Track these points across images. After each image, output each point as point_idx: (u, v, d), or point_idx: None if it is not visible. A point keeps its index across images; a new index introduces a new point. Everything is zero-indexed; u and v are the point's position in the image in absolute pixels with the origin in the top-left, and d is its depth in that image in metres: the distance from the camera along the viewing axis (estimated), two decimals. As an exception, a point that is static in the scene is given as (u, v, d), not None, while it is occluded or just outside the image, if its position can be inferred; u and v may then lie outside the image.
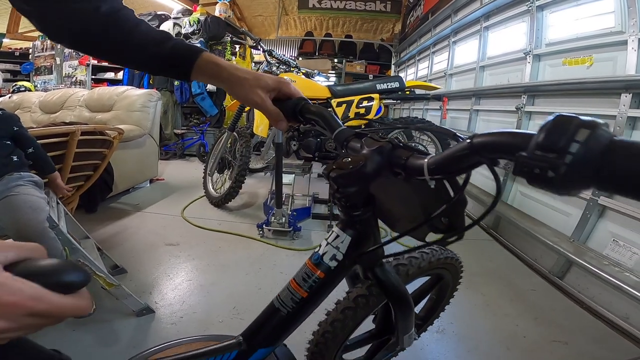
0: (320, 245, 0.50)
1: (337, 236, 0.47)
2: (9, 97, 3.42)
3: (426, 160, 0.34)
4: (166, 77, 4.60)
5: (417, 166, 0.35)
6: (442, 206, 0.36)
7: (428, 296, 0.96)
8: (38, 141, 1.33)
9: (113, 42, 0.49)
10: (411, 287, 0.90)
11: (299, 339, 0.77)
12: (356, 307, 0.68)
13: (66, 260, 0.38)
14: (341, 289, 0.75)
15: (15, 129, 1.25)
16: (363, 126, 2.35)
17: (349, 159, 0.40)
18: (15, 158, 1.22)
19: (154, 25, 0.54)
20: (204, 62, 0.52)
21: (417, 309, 0.97)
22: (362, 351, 0.89)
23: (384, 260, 0.53)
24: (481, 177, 2.59)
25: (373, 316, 0.82)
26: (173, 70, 0.53)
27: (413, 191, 0.42)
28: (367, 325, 0.85)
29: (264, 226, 2.05)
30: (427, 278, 0.90)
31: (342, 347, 0.75)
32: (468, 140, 0.30)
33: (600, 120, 0.20)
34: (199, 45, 2.59)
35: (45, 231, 1.11)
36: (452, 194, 0.36)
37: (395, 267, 0.74)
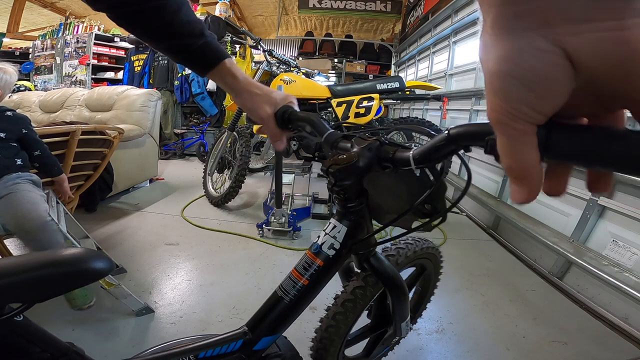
0: (319, 236, 0.53)
1: (334, 227, 0.52)
2: (9, 97, 3.42)
3: (412, 152, 0.38)
4: (166, 77, 4.62)
5: (404, 158, 0.39)
6: (426, 193, 0.42)
7: (414, 289, 1.01)
8: (38, 140, 1.33)
9: (151, 21, 0.49)
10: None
11: (297, 336, 0.78)
12: (355, 299, 0.72)
13: (90, 249, 0.39)
14: (338, 288, 0.76)
15: (24, 131, 1.25)
16: (363, 126, 2.35)
17: (344, 156, 0.45)
18: (19, 161, 1.23)
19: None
20: (224, 70, 0.55)
21: None
22: (360, 348, 0.91)
23: (376, 250, 0.59)
24: (481, 178, 2.59)
25: (367, 311, 0.85)
26: (192, 66, 0.55)
27: (399, 185, 0.47)
28: (363, 321, 0.86)
29: (263, 226, 2.05)
30: (412, 270, 0.95)
31: (345, 342, 0.78)
32: (446, 132, 0.34)
33: None
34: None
35: (47, 224, 1.12)
36: (434, 182, 0.42)
37: (385, 258, 0.77)
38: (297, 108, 0.56)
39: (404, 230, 0.49)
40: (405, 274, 0.92)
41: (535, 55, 0.19)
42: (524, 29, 0.19)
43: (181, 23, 0.50)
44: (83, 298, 1.26)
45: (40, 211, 1.13)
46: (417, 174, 0.40)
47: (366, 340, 0.90)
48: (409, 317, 0.69)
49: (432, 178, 0.42)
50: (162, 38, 0.51)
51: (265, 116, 0.55)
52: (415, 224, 0.48)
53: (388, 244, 0.81)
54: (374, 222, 0.54)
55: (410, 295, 1.01)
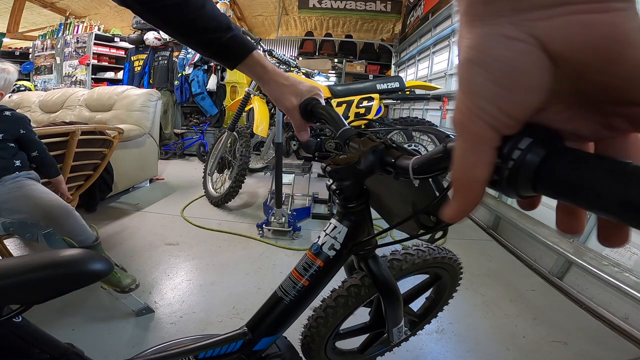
0: (319, 237, 0.53)
1: (335, 227, 0.52)
2: (9, 97, 3.42)
3: (411, 161, 0.36)
4: (166, 77, 4.62)
5: (403, 166, 0.37)
6: (428, 204, 0.40)
7: (427, 295, 0.98)
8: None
9: (177, 17, 0.50)
10: (409, 284, 0.91)
11: (297, 336, 0.78)
12: (349, 296, 0.72)
13: (89, 250, 0.39)
14: (337, 280, 0.76)
15: (22, 132, 1.25)
16: (363, 126, 2.35)
17: (345, 156, 0.44)
18: (17, 162, 1.22)
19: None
20: (252, 61, 0.56)
21: (415, 307, 0.98)
22: (356, 343, 0.91)
23: (377, 253, 0.58)
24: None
25: (369, 309, 0.85)
26: (222, 59, 0.56)
27: (405, 190, 0.46)
28: (364, 317, 0.86)
29: (263, 226, 2.05)
30: (425, 277, 0.93)
31: (335, 334, 0.78)
32: (443, 145, 0.33)
33: (550, 128, 0.21)
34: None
35: (70, 209, 1.15)
36: (437, 193, 0.40)
37: (389, 262, 0.77)
38: (322, 100, 0.57)
39: (406, 234, 0.48)
40: (419, 279, 0.92)
41: (502, 42, 0.17)
42: (493, 15, 0.17)
43: (206, 18, 0.51)
44: (128, 278, 1.25)
45: (59, 198, 1.17)
46: (416, 185, 0.39)
47: (365, 336, 0.90)
48: (402, 323, 0.68)
49: (435, 189, 0.41)
50: (189, 33, 0.52)
51: (290, 107, 0.56)
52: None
53: (398, 248, 0.80)
54: (375, 223, 0.54)
55: (422, 301, 0.99)
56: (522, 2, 0.16)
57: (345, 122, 0.52)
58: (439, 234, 0.43)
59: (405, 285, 0.66)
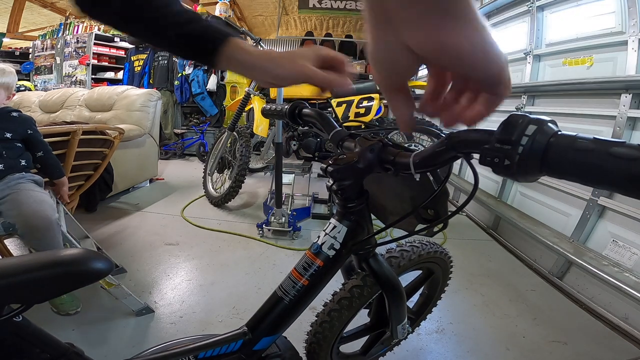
0: (319, 236, 0.53)
1: (335, 227, 0.52)
2: (9, 97, 3.41)
3: (411, 156, 0.37)
4: (166, 77, 4.62)
5: (404, 162, 0.38)
6: (428, 198, 0.41)
7: (420, 291, 1.00)
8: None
9: (140, 15, 0.43)
10: (404, 281, 0.92)
11: (297, 336, 0.78)
12: (352, 297, 0.72)
13: (90, 250, 0.39)
14: (338, 283, 0.76)
15: (29, 132, 1.26)
16: (363, 126, 2.35)
17: (344, 156, 0.44)
18: (23, 162, 1.24)
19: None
20: (231, 50, 0.43)
21: (410, 304, 0.99)
22: (358, 345, 0.91)
23: (376, 251, 0.58)
24: (481, 178, 2.58)
25: (368, 310, 0.85)
26: (198, 56, 0.45)
27: (402, 187, 0.46)
28: (363, 319, 0.86)
29: (263, 226, 2.05)
30: (418, 273, 0.94)
31: (339, 338, 0.78)
32: (445, 138, 0.34)
33: (547, 118, 0.24)
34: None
35: (53, 224, 1.13)
36: (435, 187, 0.41)
37: (387, 260, 0.78)
38: (331, 54, 0.45)
39: (406, 232, 0.48)
40: (412, 276, 0.92)
41: (387, 48, 0.28)
42: (382, 29, 0.28)
43: (170, 13, 0.44)
44: (70, 303, 1.26)
45: (48, 210, 1.15)
46: (417, 179, 0.39)
47: (365, 338, 0.90)
48: (405, 320, 0.69)
49: (434, 183, 0.41)
50: (158, 34, 0.45)
51: (309, 70, 0.42)
52: (418, 227, 0.47)
53: (393, 245, 0.80)
54: (374, 222, 0.54)
55: (416, 298, 1.00)
56: (398, 24, 0.26)
57: (336, 124, 0.52)
58: (437, 228, 0.44)
59: (401, 282, 0.66)
